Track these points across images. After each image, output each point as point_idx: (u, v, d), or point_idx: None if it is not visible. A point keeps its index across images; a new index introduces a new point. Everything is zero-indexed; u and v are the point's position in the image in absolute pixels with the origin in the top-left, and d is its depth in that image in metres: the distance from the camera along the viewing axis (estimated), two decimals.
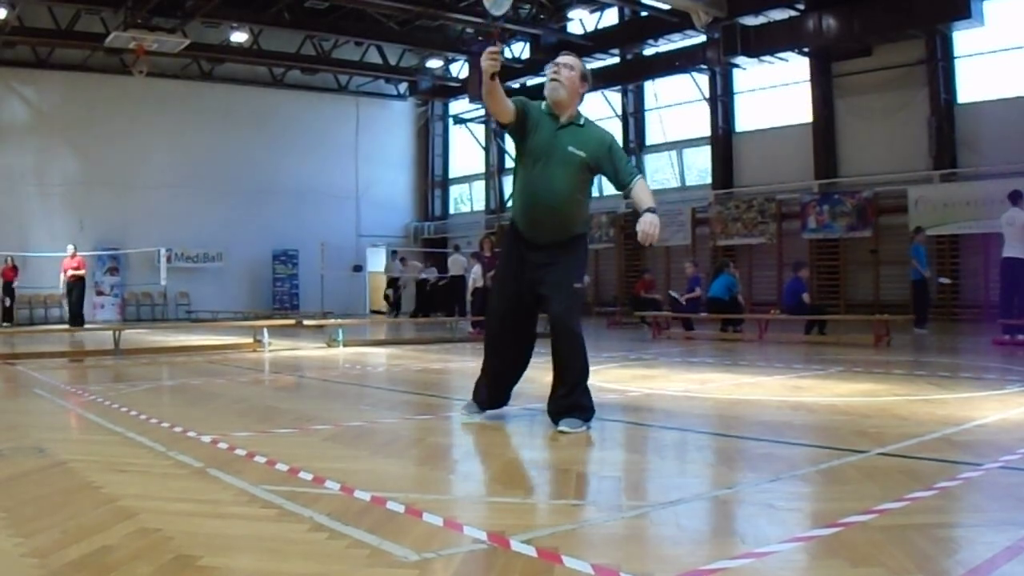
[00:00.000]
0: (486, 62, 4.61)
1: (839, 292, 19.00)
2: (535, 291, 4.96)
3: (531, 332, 5.19)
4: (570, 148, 4.85)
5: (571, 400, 4.85)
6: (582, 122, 5.00)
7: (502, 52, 4.81)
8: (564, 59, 5.00)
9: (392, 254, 24.18)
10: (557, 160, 4.86)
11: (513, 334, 5.13)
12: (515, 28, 24.02)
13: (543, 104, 5.00)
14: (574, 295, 4.93)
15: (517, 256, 5.05)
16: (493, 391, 5.25)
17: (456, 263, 20.67)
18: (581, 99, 5.04)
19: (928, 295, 14.37)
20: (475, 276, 16.13)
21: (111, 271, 24.89)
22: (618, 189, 5.12)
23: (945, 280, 14.84)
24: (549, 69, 4.98)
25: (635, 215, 4.90)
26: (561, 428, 4.74)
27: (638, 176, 4.98)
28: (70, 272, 18.09)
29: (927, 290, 14.38)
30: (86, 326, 17.19)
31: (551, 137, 4.89)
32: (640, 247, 23.10)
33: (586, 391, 4.92)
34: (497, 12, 5.19)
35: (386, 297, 23.86)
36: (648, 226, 4.68)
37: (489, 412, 5.27)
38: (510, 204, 5.17)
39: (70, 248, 18.65)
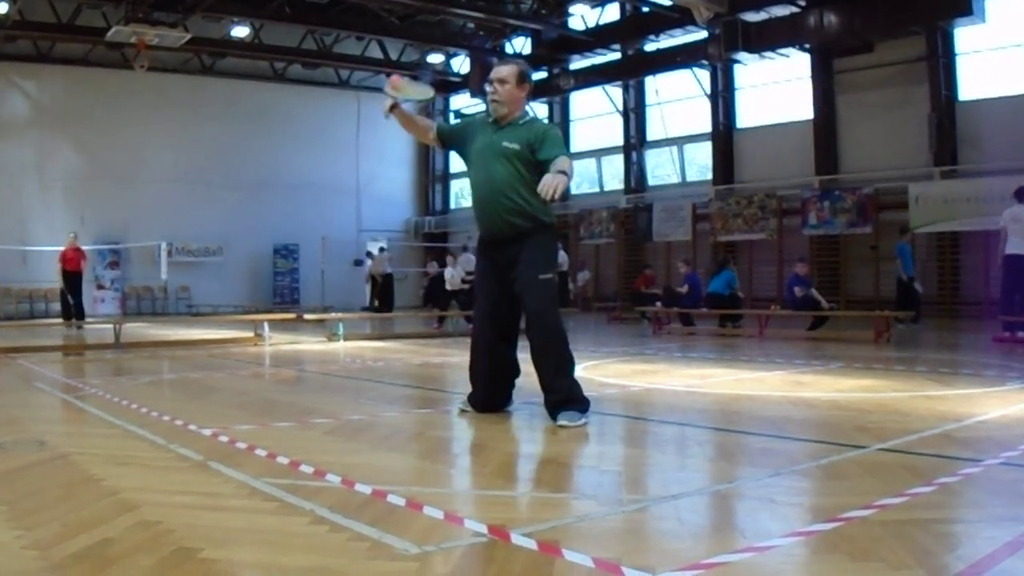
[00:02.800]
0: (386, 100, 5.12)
1: (839, 288, 18.98)
2: (510, 291, 5.04)
3: (511, 331, 5.23)
4: (504, 143, 4.98)
5: (562, 394, 4.88)
6: (522, 121, 5.08)
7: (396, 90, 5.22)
8: (498, 74, 5.06)
9: (367, 254, 24.01)
10: (493, 157, 5.01)
11: (496, 336, 5.18)
12: (517, 23, 24.00)
13: (487, 113, 5.18)
14: (546, 288, 4.96)
15: (488, 260, 5.19)
16: (485, 394, 5.29)
17: (468, 262, 20.73)
18: (528, 99, 5.15)
19: (914, 293, 14.39)
20: (453, 275, 16.22)
21: (112, 265, 24.87)
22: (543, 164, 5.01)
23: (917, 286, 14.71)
24: (488, 87, 5.08)
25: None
26: (560, 423, 4.75)
27: (563, 155, 4.87)
28: (75, 267, 16.67)
29: (912, 288, 14.40)
30: (86, 319, 16.95)
31: (488, 140, 5.07)
32: (641, 242, 23.15)
33: (575, 383, 4.96)
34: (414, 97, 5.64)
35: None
36: (551, 179, 4.56)
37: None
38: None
39: (71, 236, 17.20)
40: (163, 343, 12.00)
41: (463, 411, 5.31)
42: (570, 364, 4.98)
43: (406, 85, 5.43)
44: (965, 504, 3.18)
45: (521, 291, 4.95)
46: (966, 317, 16.77)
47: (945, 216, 17.32)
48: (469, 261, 21.04)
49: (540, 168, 4.84)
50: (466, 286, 16.04)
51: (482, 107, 28.77)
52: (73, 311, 16.23)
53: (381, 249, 23.18)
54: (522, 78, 5.06)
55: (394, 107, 5.13)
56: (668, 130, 24.29)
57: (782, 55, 20.13)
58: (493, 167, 5.00)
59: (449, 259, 17.00)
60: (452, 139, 5.41)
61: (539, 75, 26.71)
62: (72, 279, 16.62)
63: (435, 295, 17.07)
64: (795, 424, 4.92)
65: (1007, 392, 6.11)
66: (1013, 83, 17.00)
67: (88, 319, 17.37)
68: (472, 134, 5.21)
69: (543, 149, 4.91)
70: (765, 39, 19.47)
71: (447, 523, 2.85)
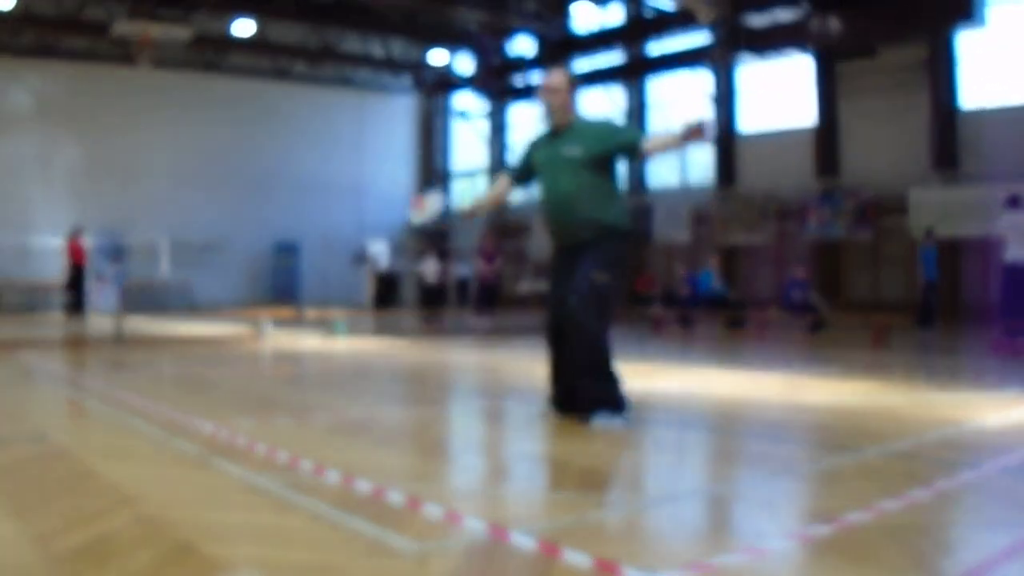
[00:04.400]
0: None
1: (839, 292, 18.97)
2: None
3: None
4: (564, 151, 4.94)
5: (590, 394, 4.76)
6: (575, 125, 5.02)
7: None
8: (549, 83, 5.04)
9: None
10: (557, 167, 4.97)
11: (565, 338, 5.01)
12: (519, 24, 24.00)
13: (545, 129, 5.18)
14: (594, 288, 4.82)
15: (557, 260, 5.11)
16: (563, 396, 5.07)
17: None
18: (575, 100, 5.08)
19: (936, 297, 14.45)
20: (426, 271, 16.21)
21: (113, 260, 24.86)
22: (632, 157, 5.13)
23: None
24: (542, 98, 5.06)
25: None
26: (594, 423, 4.65)
27: (641, 136, 5.00)
28: (79, 260, 16.54)
29: (935, 292, 14.45)
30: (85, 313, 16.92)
31: (549, 150, 5.06)
32: (641, 245, 23.13)
33: (609, 383, 4.80)
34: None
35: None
36: (704, 119, 4.62)
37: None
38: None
39: (78, 229, 17.01)
40: (163, 338, 12.00)
41: (545, 415, 5.11)
42: (600, 365, 4.81)
43: (428, 204, 5.73)
44: (963, 509, 3.19)
45: (572, 286, 4.83)
46: (966, 323, 16.77)
47: (945, 222, 17.30)
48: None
49: (630, 159, 5.11)
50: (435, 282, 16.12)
51: (483, 107, 28.84)
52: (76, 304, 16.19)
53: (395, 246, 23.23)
54: (571, 81, 5.08)
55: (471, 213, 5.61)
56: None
57: (784, 58, 20.12)
58: (558, 179, 4.96)
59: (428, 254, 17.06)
60: (526, 175, 5.30)
61: (540, 76, 26.77)
62: (77, 272, 16.53)
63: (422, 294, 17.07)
64: (793, 427, 4.93)
65: (1006, 398, 6.11)
66: (1015, 90, 16.99)
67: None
68: (535, 150, 5.19)
69: (615, 138, 4.97)
70: (767, 42, 19.46)
71: (447, 521, 2.86)
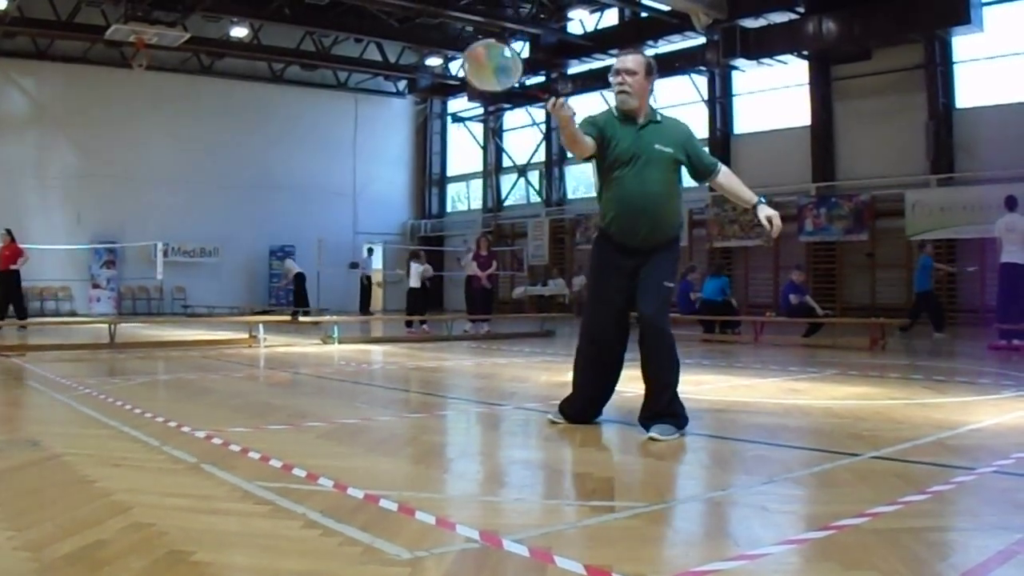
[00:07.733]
0: (559, 113, 4.34)
1: (835, 295, 19.00)
2: (630, 298, 4.83)
3: (625, 343, 5.02)
4: (656, 146, 4.70)
5: (663, 406, 4.70)
6: (659, 118, 4.82)
7: (565, 99, 4.40)
8: (624, 64, 4.72)
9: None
10: (646, 161, 4.70)
11: (610, 347, 4.96)
12: (516, 27, 24.01)
13: (612, 109, 4.84)
14: (664, 295, 4.79)
15: (612, 266, 4.88)
16: (583, 407, 5.04)
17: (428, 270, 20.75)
18: (652, 91, 4.86)
19: (938, 302, 14.64)
20: (415, 275, 15.99)
21: (107, 264, 24.82)
22: (698, 180, 5.02)
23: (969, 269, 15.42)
24: (614, 79, 4.75)
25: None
26: (652, 435, 4.55)
27: (719, 165, 4.91)
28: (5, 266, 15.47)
29: (935, 297, 14.61)
30: (81, 318, 16.64)
31: (635, 140, 4.72)
32: None
33: (676, 397, 4.78)
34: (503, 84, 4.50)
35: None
36: (776, 218, 4.72)
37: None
38: (602, 214, 4.91)
39: (4, 232, 16.07)
40: (158, 343, 11.97)
41: (554, 422, 5.04)
42: (675, 377, 4.78)
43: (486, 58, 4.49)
44: (958, 513, 3.19)
45: (641, 294, 4.74)
46: (962, 325, 16.78)
47: (941, 224, 17.34)
48: (428, 270, 20.94)
49: (696, 179, 4.96)
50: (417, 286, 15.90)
51: (479, 111, 28.84)
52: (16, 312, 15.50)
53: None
54: (650, 68, 4.75)
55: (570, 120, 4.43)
56: None
57: (780, 61, 20.15)
58: (648, 174, 4.69)
59: (416, 260, 16.94)
60: (603, 143, 4.73)
61: (537, 79, 26.75)
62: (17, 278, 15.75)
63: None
64: (789, 431, 4.92)
65: (1002, 400, 6.12)
66: (1010, 91, 17.04)
67: (83, 318, 17.21)
68: (613, 133, 4.74)
69: (696, 158, 4.85)
70: (764, 46, 19.48)
71: (439, 528, 2.85)
